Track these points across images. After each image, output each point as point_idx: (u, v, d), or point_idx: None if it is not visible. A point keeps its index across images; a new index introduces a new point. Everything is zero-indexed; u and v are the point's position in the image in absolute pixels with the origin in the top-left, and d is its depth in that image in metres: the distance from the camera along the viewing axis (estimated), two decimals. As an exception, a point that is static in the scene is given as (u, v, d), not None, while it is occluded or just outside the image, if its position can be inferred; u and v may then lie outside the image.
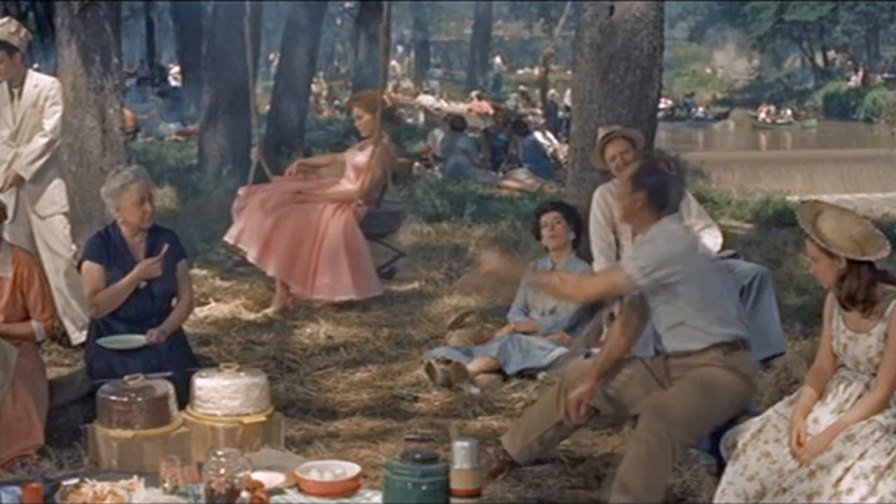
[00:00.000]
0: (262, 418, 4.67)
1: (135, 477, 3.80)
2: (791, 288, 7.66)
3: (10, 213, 6.20)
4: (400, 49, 49.07)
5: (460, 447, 3.58)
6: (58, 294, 6.16)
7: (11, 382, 4.70)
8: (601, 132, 6.33)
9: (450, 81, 40.72)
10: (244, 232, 7.53)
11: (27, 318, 5.05)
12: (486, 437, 4.93)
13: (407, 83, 36.51)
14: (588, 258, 6.56)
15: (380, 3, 13.41)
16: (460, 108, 26.43)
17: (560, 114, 23.95)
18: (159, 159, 15.49)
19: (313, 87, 22.92)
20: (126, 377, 4.63)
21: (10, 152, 6.44)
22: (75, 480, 3.74)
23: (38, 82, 6.48)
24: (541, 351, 6.17)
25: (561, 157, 16.20)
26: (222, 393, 4.62)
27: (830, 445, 3.74)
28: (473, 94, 29.97)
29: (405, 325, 7.22)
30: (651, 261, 4.23)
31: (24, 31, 6.52)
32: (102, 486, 3.67)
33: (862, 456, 3.68)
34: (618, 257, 6.46)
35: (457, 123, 16.17)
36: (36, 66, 12.97)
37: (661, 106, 26.96)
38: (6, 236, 5.15)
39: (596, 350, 6.34)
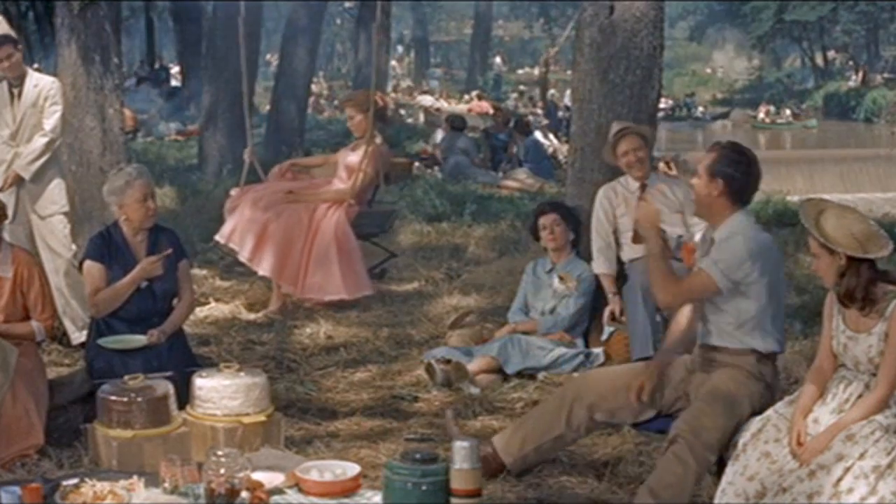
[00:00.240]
0: (262, 418, 4.67)
1: (135, 477, 3.79)
2: (791, 288, 7.66)
3: (10, 212, 6.22)
4: (400, 49, 49.08)
5: (460, 447, 3.57)
6: (58, 294, 6.16)
7: (11, 382, 4.70)
8: (615, 127, 6.35)
9: (450, 81, 40.74)
10: (235, 231, 7.53)
11: (27, 318, 5.05)
12: (486, 436, 4.92)
13: (407, 83, 36.50)
14: (587, 257, 6.56)
15: (379, 3, 13.42)
16: (460, 108, 26.44)
17: (560, 114, 23.97)
18: (159, 159, 15.49)
19: (313, 87, 22.92)
20: (126, 377, 4.62)
21: (10, 152, 6.46)
22: (75, 480, 3.74)
23: (38, 82, 6.49)
24: (541, 351, 6.17)
25: (561, 157, 16.21)
26: (222, 393, 4.62)
27: (830, 445, 3.74)
28: (473, 93, 29.98)
29: (405, 325, 7.22)
30: (732, 263, 4.20)
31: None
32: (102, 486, 3.67)
33: (862, 456, 3.68)
34: (618, 258, 6.47)
35: (457, 123, 16.17)
36: (36, 66, 12.96)
37: (662, 106, 27.02)
38: (6, 236, 5.15)
39: (597, 350, 6.36)
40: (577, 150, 6.85)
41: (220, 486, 3.54)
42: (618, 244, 6.46)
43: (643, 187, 6.30)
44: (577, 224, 6.61)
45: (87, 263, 5.37)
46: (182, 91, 24.24)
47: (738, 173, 4.31)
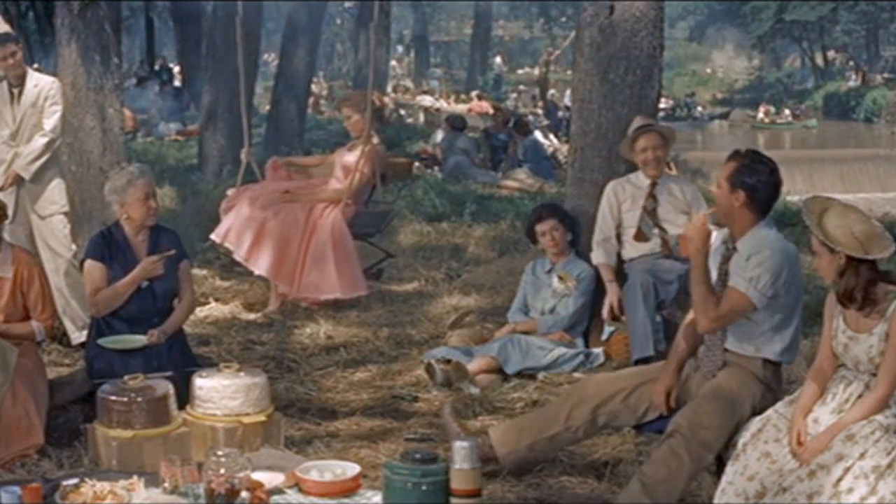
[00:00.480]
0: (262, 418, 4.67)
1: (135, 477, 3.79)
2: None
3: (10, 212, 6.22)
4: (400, 49, 49.07)
5: (460, 447, 3.57)
6: (58, 294, 6.16)
7: (11, 382, 4.70)
8: (636, 122, 6.34)
9: (450, 81, 40.71)
10: (231, 231, 7.53)
11: (27, 317, 5.06)
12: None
13: (407, 83, 36.50)
14: (587, 257, 6.56)
15: (377, 3, 13.41)
16: (460, 107, 26.43)
17: (560, 114, 23.98)
18: (159, 159, 15.49)
19: (313, 87, 22.92)
20: (126, 377, 4.63)
21: (10, 152, 6.46)
22: (75, 480, 3.74)
23: (38, 82, 6.50)
24: (540, 351, 6.17)
25: (561, 157, 16.20)
26: (222, 393, 4.62)
27: (830, 445, 3.74)
28: (473, 93, 29.98)
29: (405, 325, 7.22)
30: (768, 281, 4.19)
31: None
32: (102, 486, 3.67)
33: (862, 456, 3.68)
34: (618, 255, 6.45)
35: (457, 123, 16.17)
36: (36, 66, 12.96)
37: (662, 106, 27.01)
38: (6, 236, 5.15)
39: (597, 350, 6.36)
40: (577, 150, 6.85)
41: (220, 486, 3.54)
42: (619, 242, 6.44)
43: (654, 185, 6.32)
44: (574, 224, 6.61)
45: (88, 263, 5.37)
46: (182, 91, 24.25)
47: (760, 183, 4.29)
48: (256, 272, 7.57)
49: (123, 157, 7.52)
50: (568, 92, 21.51)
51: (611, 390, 4.52)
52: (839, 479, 3.67)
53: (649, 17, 6.61)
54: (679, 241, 5.75)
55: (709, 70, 50.22)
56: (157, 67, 29.98)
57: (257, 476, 3.72)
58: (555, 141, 17.81)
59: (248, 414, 4.63)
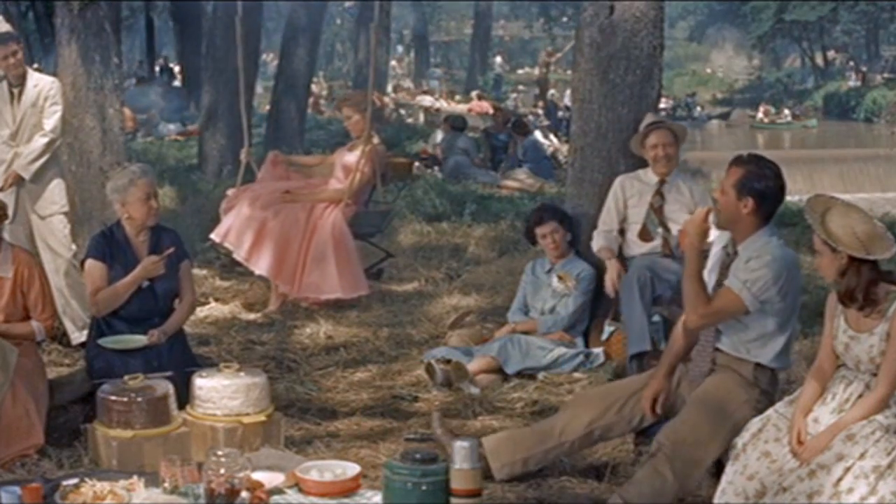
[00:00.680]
0: (262, 418, 4.68)
1: (135, 477, 3.79)
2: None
3: (10, 212, 6.23)
4: (400, 49, 49.06)
5: (460, 447, 3.57)
6: (58, 294, 6.17)
7: (11, 382, 4.70)
8: (648, 118, 6.33)
9: (450, 81, 40.70)
10: (231, 230, 7.53)
11: (27, 317, 5.06)
12: (486, 437, 4.92)
13: (407, 83, 36.49)
14: (587, 257, 6.56)
15: (378, 3, 13.42)
16: (460, 108, 26.42)
17: (560, 114, 23.96)
18: (159, 159, 15.48)
19: (313, 87, 22.91)
20: (126, 377, 4.63)
21: (10, 152, 6.46)
22: (75, 480, 3.74)
23: (38, 82, 6.50)
24: (540, 351, 6.17)
25: (561, 157, 16.20)
26: (222, 393, 4.63)
27: (831, 445, 3.74)
28: (473, 93, 29.97)
29: (405, 325, 7.22)
30: (763, 285, 4.19)
31: None
32: (102, 486, 3.67)
33: (862, 456, 3.68)
34: (620, 249, 6.43)
35: (457, 123, 16.17)
36: (36, 66, 12.96)
37: (663, 105, 26.97)
38: (6, 236, 5.15)
39: (596, 350, 6.36)
40: (577, 150, 6.85)
41: (220, 486, 3.54)
42: (623, 237, 6.40)
43: (662, 183, 6.28)
44: (574, 225, 6.61)
45: (89, 262, 5.37)
46: (182, 91, 24.26)
47: (768, 189, 4.28)
48: (257, 272, 7.58)
49: (123, 157, 7.52)
50: (568, 92, 21.50)
51: (605, 404, 4.54)
52: (839, 479, 3.67)
53: (649, 17, 6.61)
54: (679, 235, 5.75)
55: (709, 70, 50.19)
56: (158, 68, 29.99)
57: (257, 476, 3.72)
58: (555, 141, 17.80)
59: (248, 414, 4.64)
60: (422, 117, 25.13)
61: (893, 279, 3.88)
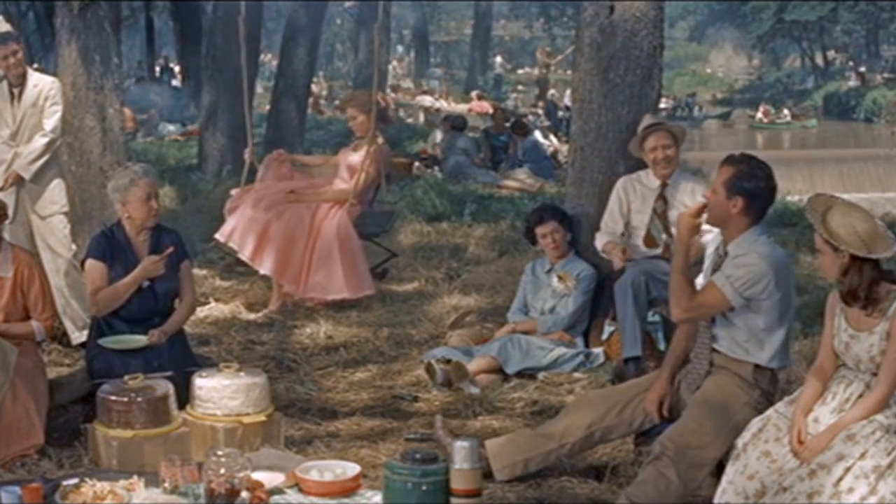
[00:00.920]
0: (262, 418, 4.68)
1: (135, 477, 3.80)
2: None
3: (10, 212, 6.23)
4: (400, 49, 49.04)
5: (460, 447, 3.58)
6: (58, 294, 6.17)
7: (11, 382, 4.70)
8: (646, 120, 6.25)
9: (450, 81, 40.70)
10: (236, 230, 7.53)
11: (27, 317, 5.06)
12: (486, 436, 4.92)
13: (407, 83, 36.49)
14: (587, 257, 6.56)
15: (381, 3, 13.42)
16: (460, 107, 26.42)
17: (560, 114, 23.95)
18: (159, 159, 15.49)
19: (313, 87, 22.91)
20: (126, 377, 4.63)
21: (10, 152, 6.46)
22: (75, 480, 3.74)
23: (38, 82, 6.50)
24: (540, 351, 6.17)
25: (561, 157, 16.19)
26: (222, 393, 4.63)
27: (831, 445, 3.74)
28: (473, 93, 29.96)
29: (405, 325, 7.22)
30: (746, 281, 4.20)
31: None
32: (102, 486, 3.67)
33: (862, 455, 3.68)
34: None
35: (456, 123, 16.17)
36: (36, 66, 12.97)
37: (663, 105, 26.93)
38: (6, 236, 5.15)
39: (596, 350, 6.36)
40: (577, 149, 6.85)
41: (220, 486, 3.55)
42: (626, 236, 6.35)
43: (664, 186, 6.21)
44: (573, 224, 6.61)
45: (89, 262, 5.37)
46: (182, 91, 24.27)
47: (758, 189, 4.28)
48: (262, 272, 7.57)
49: (123, 157, 7.51)
50: (568, 92, 21.49)
51: (605, 407, 4.56)
52: (839, 479, 3.67)
53: (649, 17, 6.61)
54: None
55: (709, 70, 50.20)
56: (158, 68, 29.99)
57: (257, 476, 3.73)
58: (555, 141, 17.79)
59: (248, 414, 4.64)
60: (422, 117, 25.12)
61: (894, 278, 3.88)
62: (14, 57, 6.36)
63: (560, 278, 6.53)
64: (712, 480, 4.19)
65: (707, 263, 4.54)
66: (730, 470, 3.96)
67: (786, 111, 34.04)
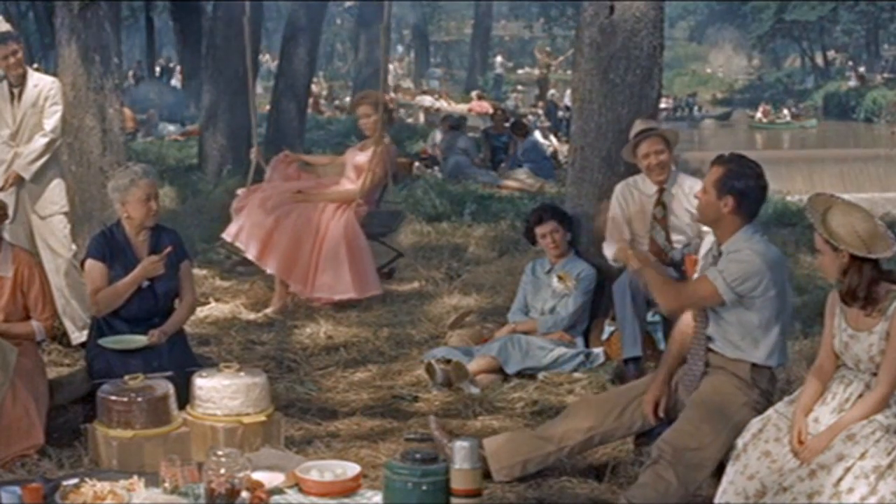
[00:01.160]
0: (262, 418, 4.67)
1: (135, 477, 3.80)
2: (791, 288, 7.64)
3: (10, 212, 6.23)
4: (400, 49, 49.06)
5: (460, 447, 3.58)
6: (58, 294, 6.16)
7: (11, 382, 4.70)
8: (638, 126, 6.21)
9: (450, 81, 40.72)
10: (243, 230, 7.53)
11: (27, 317, 5.06)
12: (486, 437, 4.92)
13: (407, 83, 36.49)
14: (586, 257, 6.56)
15: (381, 3, 13.45)
16: (460, 107, 26.42)
17: (560, 114, 23.96)
18: (159, 159, 15.49)
19: (313, 87, 22.92)
20: (126, 377, 4.63)
21: (10, 152, 6.45)
22: (75, 480, 3.74)
23: (38, 82, 6.50)
24: (541, 351, 6.17)
25: (561, 157, 16.19)
26: (222, 393, 4.62)
27: (831, 445, 3.74)
28: (473, 93, 29.97)
29: (405, 325, 7.22)
30: (738, 276, 4.21)
31: None
32: (102, 486, 3.67)
33: (862, 456, 3.68)
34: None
35: (455, 123, 16.18)
36: (36, 66, 12.97)
37: (664, 105, 26.89)
38: (6, 236, 5.15)
39: (597, 350, 6.36)
40: (577, 149, 6.86)
41: (220, 486, 3.55)
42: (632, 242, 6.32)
43: (661, 191, 6.17)
44: (573, 224, 6.60)
45: (89, 262, 5.37)
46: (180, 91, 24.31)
47: (748, 188, 4.29)
48: (269, 272, 7.58)
49: (123, 157, 7.52)
50: (568, 92, 21.49)
51: (605, 410, 4.57)
52: (839, 479, 3.67)
53: (649, 17, 6.62)
54: (686, 261, 5.72)
55: (709, 70, 50.23)
56: (158, 68, 29.99)
57: (257, 476, 3.73)
58: (554, 141, 17.79)
59: (248, 414, 4.63)
60: (422, 117, 25.12)
61: (894, 278, 3.88)
62: (14, 57, 6.36)
63: (560, 278, 6.53)
64: (713, 481, 4.19)
65: (702, 264, 4.54)
66: (730, 470, 3.96)
67: (785, 111, 34.06)
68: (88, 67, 7.37)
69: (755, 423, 4.02)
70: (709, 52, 50.55)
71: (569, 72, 28.49)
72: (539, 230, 6.57)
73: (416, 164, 15.22)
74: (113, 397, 4.56)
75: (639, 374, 5.61)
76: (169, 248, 5.33)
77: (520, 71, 46.04)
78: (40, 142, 6.42)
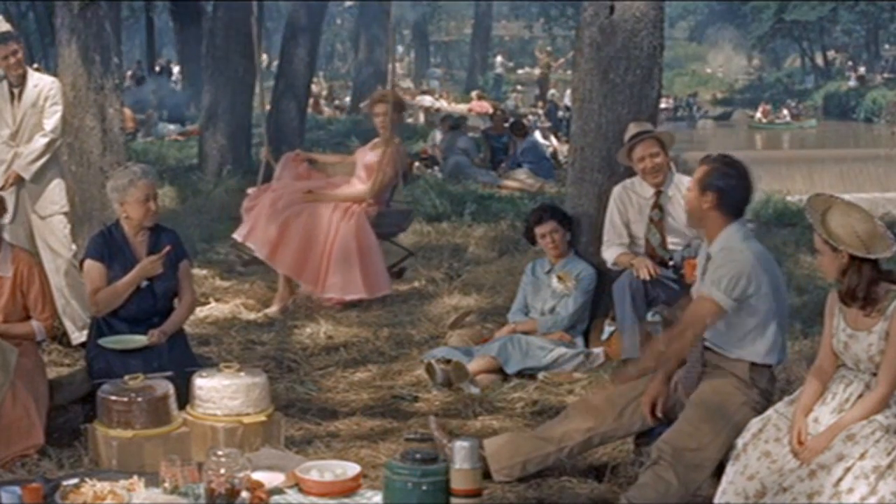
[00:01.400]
0: (262, 418, 4.67)
1: (135, 477, 3.80)
2: (791, 288, 7.65)
3: (10, 212, 6.23)
4: (400, 49, 49.03)
5: (460, 447, 3.58)
6: (58, 294, 6.16)
7: (11, 382, 4.70)
8: (632, 129, 6.20)
9: (450, 81, 40.72)
10: (254, 230, 7.54)
11: (27, 317, 5.06)
12: (486, 437, 4.92)
13: (407, 83, 36.49)
14: (586, 257, 6.56)
15: (381, 3, 13.43)
16: (460, 107, 26.41)
17: (560, 114, 23.95)
18: (159, 159, 15.50)
19: (313, 87, 22.93)
20: (126, 377, 4.63)
21: (10, 152, 6.45)
22: (75, 480, 3.74)
23: (38, 82, 6.50)
24: (540, 351, 6.17)
25: (561, 157, 16.19)
26: (222, 393, 4.62)
27: (831, 445, 3.74)
28: (473, 93, 29.97)
29: (405, 325, 7.22)
30: (731, 280, 4.21)
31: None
32: (102, 486, 3.67)
33: (862, 456, 3.68)
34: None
35: (454, 123, 16.17)
36: (36, 66, 12.97)
37: (664, 106, 26.84)
38: (6, 236, 5.15)
39: (597, 350, 6.36)
40: (577, 150, 6.85)
41: (220, 486, 3.55)
42: (631, 244, 6.30)
43: (658, 194, 6.16)
44: (572, 224, 6.60)
45: (87, 262, 5.37)
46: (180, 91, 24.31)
47: (729, 186, 4.32)
48: (280, 272, 7.58)
49: (123, 157, 7.51)
50: (568, 92, 21.49)
51: (604, 411, 4.57)
52: (839, 479, 3.67)
53: (649, 17, 6.61)
54: (686, 266, 5.71)
55: (709, 70, 50.21)
56: (157, 68, 29.98)
57: (257, 476, 3.73)
58: (554, 142, 17.79)
59: (248, 414, 4.63)
60: (422, 117, 25.12)
61: (894, 278, 3.88)
62: (14, 57, 6.36)
63: (560, 278, 6.53)
64: (713, 481, 4.19)
65: (699, 270, 4.54)
66: (730, 470, 3.96)
67: (785, 111, 34.06)
68: (88, 67, 7.37)
69: (755, 424, 4.02)
70: (709, 52, 50.51)
71: (569, 72, 28.50)
72: (539, 230, 6.58)
73: (416, 164, 15.22)
74: (113, 397, 4.56)
75: (639, 375, 5.59)
76: (167, 248, 5.33)
77: (520, 71, 46.03)
78: (40, 142, 6.42)
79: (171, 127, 21.14)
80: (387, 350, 6.69)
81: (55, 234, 6.51)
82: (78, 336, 6.39)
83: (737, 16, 43.30)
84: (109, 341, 5.22)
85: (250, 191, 7.97)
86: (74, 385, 5.26)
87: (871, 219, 3.89)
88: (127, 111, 12.19)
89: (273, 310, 7.53)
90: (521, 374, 6.10)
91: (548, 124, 21.60)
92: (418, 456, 3.57)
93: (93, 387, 4.92)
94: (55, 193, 6.53)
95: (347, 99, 30.28)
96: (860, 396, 3.86)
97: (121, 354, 5.13)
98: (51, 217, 6.52)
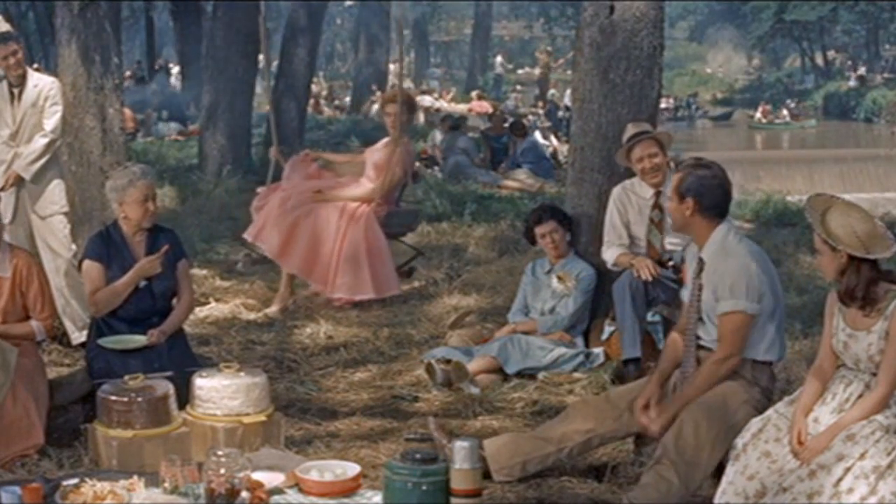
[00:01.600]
0: (262, 418, 4.67)
1: (135, 477, 3.80)
2: (791, 288, 7.66)
3: (10, 213, 6.24)
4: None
5: (460, 447, 3.58)
6: (58, 294, 6.17)
7: (11, 382, 4.70)
8: (630, 130, 6.19)
9: (450, 81, 40.72)
10: (264, 229, 7.54)
11: (27, 317, 5.06)
12: (486, 436, 4.92)
13: (407, 83, 36.50)
14: (586, 257, 6.55)
15: (381, 4, 13.44)
16: (460, 107, 26.42)
17: (560, 114, 23.95)
18: (159, 159, 15.49)
19: (313, 87, 22.93)
20: (126, 377, 4.63)
21: (10, 152, 6.46)
22: (75, 480, 3.74)
23: (38, 82, 6.50)
24: (541, 351, 6.17)
25: (561, 157, 16.18)
26: (222, 393, 4.63)
27: (831, 445, 3.74)
28: (473, 93, 29.98)
29: (405, 325, 7.22)
30: (747, 284, 4.22)
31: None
32: (102, 486, 3.67)
33: (862, 456, 3.68)
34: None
35: (454, 123, 16.17)
36: (36, 66, 12.97)
37: (664, 105, 26.83)
38: (6, 236, 5.15)
39: (597, 350, 6.36)
40: (577, 150, 6.85)
41: (220, 486, 3.55)
42: (631, 244, 6.28)
43: (658, 194, 6.14)
44: (572, 224, 6.60)
45: (86, 263, 5.37)
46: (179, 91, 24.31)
47: (704, 188, 4.33)
48: (289, 271, 7.58)
49: (123, 157, 7.52)
50: (568, 92, 21.49)
51: (603, 412, 4.57)
52: (839, 479, 3.67)
53: (649, 17, 6.61)
54: (683, 267, 5.70)
55: (709, 70, 50.21)
56: (157, 68, 29.97)
57: (257, 476, 3.73)
58: (554, 142, 17.79)
59: (248, 414, 4.64)
60: (422, 117, 25.12)
61: (893, 278, 3.88)
62: (14, 57, 6.36)
63: (560, 279, 6.53)
64: (713, 481, 4.19)
65: (690, 273, 4.54)
66: (730, 470, 3.96)
67: (785, 111, 34.06)
68: (88, 67, 7.37)
69: (755, 423, 4.02)
70: (709, 52, 50.51)
71: (569, 72, 28.50)
72: (539, 230, 6.57)
73: (416, 164, 15.21)
74: (113, 397, 4.56)
75: (639, 375, 5.60)
76: (165, 248, 5.33)
77: (520, 71, 46.04)
78: (40, 142, 6.42)
79: (172, 126, 21.13)
80: (387, 350, 6.69)
81: (55, 235, 6.51)
82: (78, 336, 6.39)
83: (737, 16, 43.31)
84: (109, 341, 5.22)
85: (260, 190, 7.98)
86: (74, 385, 5.26)
87: (871, 219, 3.89)
88: (127, 111, 12.18)
89: (273, 310, 7.53)
90: (521, 374, 6.10)
91: (548, 124, 21.60)
92: (418, 456, 3.57)
93: (93, 387, 4.92)
94: (55, 193, 6.53)
95: (347, 99, 30.30)
96: (860, 396, 3.86)
97: (121, 354, 5.13)
98: (51, 217, 6.52)
